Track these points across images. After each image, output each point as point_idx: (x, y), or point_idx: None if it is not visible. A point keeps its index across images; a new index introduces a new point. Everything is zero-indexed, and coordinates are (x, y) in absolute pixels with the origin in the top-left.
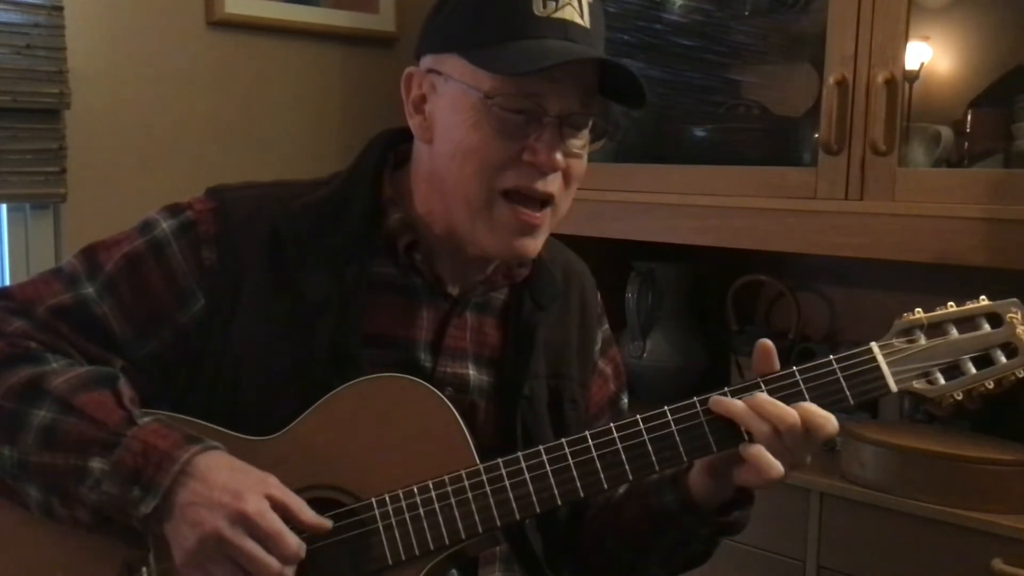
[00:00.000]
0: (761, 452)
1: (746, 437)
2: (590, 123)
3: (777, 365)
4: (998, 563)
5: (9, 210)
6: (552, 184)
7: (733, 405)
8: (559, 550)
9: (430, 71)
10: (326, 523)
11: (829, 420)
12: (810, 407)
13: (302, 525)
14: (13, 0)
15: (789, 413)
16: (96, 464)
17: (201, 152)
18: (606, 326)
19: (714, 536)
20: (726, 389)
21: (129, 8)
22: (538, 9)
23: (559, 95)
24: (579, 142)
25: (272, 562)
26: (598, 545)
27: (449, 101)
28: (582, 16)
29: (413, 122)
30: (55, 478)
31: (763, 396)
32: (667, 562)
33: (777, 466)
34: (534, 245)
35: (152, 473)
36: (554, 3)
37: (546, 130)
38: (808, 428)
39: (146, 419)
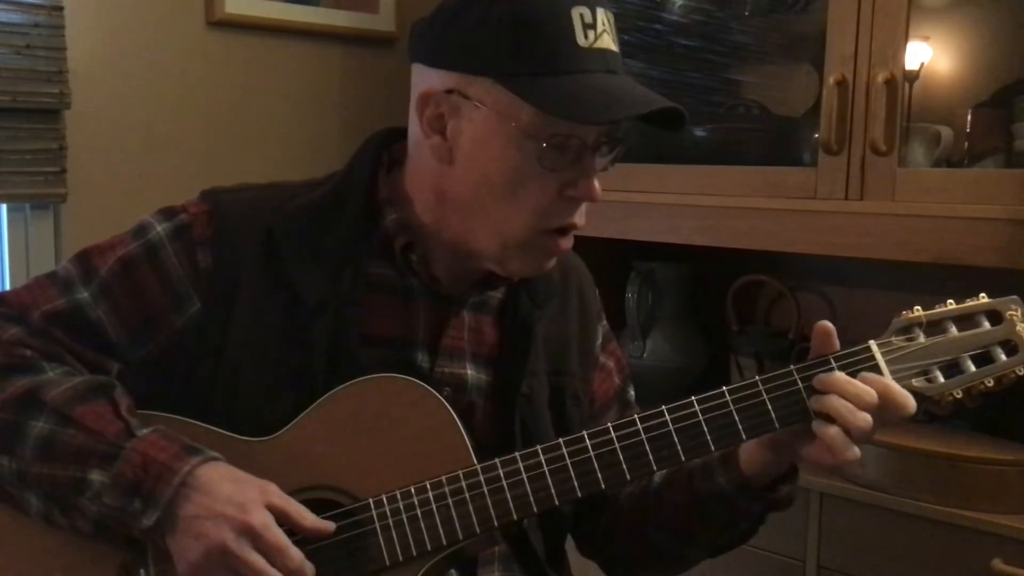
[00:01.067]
0: (837, 433)
1: (744, 437)
2: (617, 148)
3: (837, 344)
4: (998, 563)
5: (9, 210)
6: (584, 213)
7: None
8: (591, 541)
9: (452, 91)
10: (328, 526)
11: (909, 399)
12: (890, 384)
13: (304, 531)
14: (13, 0)
15: (868, 392)
16: (95, 476)
17: (201, 152)
18: (605, 321)
19: (764, 513)
20: (724, 389)
21: (129, 8)
22: (581, 40)
23: (596, 128)
24: (604, 163)
25: (276, 575)
26: (638, 535)
27: (480, 128)
28: (614, 41)
29: (429, 142)
30: (54, 489)
31: (842, 375)
32: (711, 544)
33: (854, 449)
34: (554, 263)
35: (152, 486)
36: (593, 32)
37: (585, 162)
38: (886, 406)
39: (145, 430)
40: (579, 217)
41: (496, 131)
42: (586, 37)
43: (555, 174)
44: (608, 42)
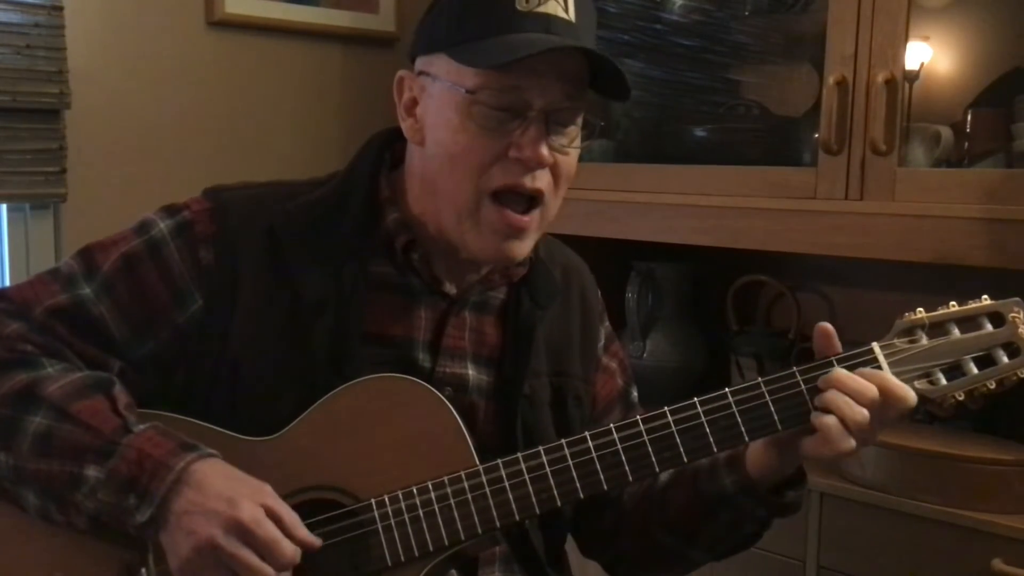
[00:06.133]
0: (835, 424)
1: (747, 438)
2: (578, 120)
3: (839, 344)
4: (998, 563)
5: (9, 210)
6: (540, 180)
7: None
8: (594, 542)
9: (420, 73)
10: (316, 541)
11: (908, 392)
12: (889, 378)
13: (293, 540)
14: (13, 0)
15: (867, 387)
16: (91, 472)
17: (201, 152)
18: (607, 323)
19: (769, 518)
20: (727, 390)
21: (129, 8)
22: (520, 4)
23: (543, 89)
24: (566, 138)
25: (267, 570)
26: (641, 534)
27: (436, 101)
28: (567, 10)
29: (405, 125)
30: (51, 485)
31: (842, 371)
32: (715, 547)
33: (850, 440)
34: (521, 248)
35: (147, 482)
36: None
37: (531, 125)
38: (885, 401)
39: (141, 426)
40: (528, 180)
41: (448, 100)
42: (527, 2)
43: (504, 139)
44: (555, 8)
